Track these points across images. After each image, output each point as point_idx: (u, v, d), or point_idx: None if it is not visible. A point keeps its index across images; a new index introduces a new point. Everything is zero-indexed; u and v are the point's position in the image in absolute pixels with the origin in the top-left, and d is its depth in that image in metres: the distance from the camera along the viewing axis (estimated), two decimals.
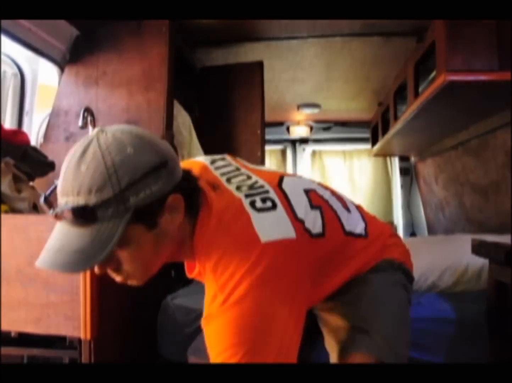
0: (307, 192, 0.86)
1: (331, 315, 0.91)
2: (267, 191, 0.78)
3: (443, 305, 1.34)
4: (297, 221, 0.76)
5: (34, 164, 1.19)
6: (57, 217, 0.66)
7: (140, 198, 0.65)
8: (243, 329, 0.68)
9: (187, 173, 0.75)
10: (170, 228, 0.70)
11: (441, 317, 1.30)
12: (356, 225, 0.92)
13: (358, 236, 0.90)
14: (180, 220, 0.71)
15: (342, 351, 0.85)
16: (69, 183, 0.64)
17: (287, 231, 0.73)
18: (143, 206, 0.65)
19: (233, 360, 0.69)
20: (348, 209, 0.93)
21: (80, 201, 0.63)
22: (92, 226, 0.64)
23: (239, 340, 0.68)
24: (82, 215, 0.63)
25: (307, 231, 0.78)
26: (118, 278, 0.77)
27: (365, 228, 0.92)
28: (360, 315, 0.86)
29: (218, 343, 0.70)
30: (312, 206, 0.84)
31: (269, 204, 0.75)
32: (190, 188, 0.73)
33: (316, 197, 0.88)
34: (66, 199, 0.64)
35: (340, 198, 0.95)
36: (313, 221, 0.81)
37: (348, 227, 0.89)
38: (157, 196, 0.66)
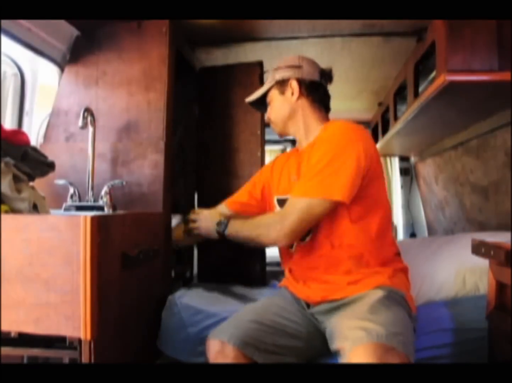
0: None
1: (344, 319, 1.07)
2: None
3: (442, 314, 1.33)
4: None
5: (34, 164, 1.19)
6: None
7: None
8: None
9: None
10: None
11: (440, 327, 1.29)
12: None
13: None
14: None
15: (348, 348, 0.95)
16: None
17: None
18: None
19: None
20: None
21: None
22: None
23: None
24: None
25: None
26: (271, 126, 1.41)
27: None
28: (365, 314, 1.04)
29: None
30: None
31: None
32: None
33: None
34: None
35: None
36: None
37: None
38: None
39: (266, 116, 1.41)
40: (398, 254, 1.28)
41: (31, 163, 1.17)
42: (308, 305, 1.24)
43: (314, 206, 1.14)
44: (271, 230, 1.18)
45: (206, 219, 1.42)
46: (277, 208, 1.36)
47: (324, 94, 1.36)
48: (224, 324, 1.16)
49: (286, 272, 1.36)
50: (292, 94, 1.32)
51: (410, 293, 1.20)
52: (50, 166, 1.26)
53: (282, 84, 1.34)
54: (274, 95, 1.36)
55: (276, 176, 1.42)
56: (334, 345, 1.03)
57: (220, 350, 1.08)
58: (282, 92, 1.34)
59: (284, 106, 1.33)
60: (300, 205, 1.14)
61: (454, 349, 1.22)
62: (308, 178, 1.16)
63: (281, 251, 1.36)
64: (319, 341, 1.17)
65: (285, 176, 1.37)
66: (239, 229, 1.30)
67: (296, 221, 1.14)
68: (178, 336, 1.36)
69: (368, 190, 1.17)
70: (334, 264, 1.19)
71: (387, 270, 1.18)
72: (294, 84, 1.32)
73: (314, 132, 1.30)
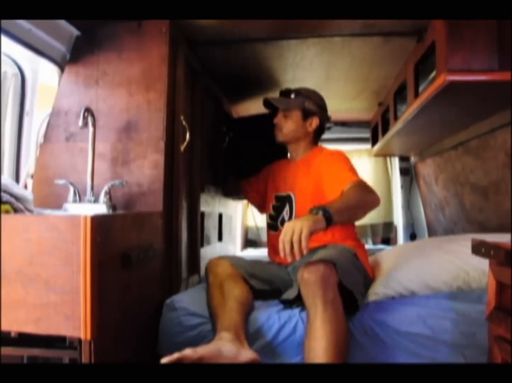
0: None
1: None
2: None
3: (443, 305, 1.34)
4: None
5: None
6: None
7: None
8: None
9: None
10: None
11: (441, 316, 1.30)
12: None
13: None
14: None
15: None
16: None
17: None
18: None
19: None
20: None
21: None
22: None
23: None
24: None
25: None
26: (276, 130, 1.75)
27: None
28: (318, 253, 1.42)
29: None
30: None
31: None
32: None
33: None
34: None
35: None
36: None
37: None
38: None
39: (278, 120, 1.73)
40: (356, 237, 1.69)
41: None
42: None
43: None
44: (375, 196, 1.48)
45: (297, 220, 1.25)
46: (274, 202, 1.75)
47: (323, 133, 1.80)
48: None
49: (269, 250, 1.77)
50: (311, 126, 1.72)
51: (364, 256, 1.60)
52: None
53: (307, 113, 1.71)
54: (296, 116, 1.71)
55: (275, 178, 1.80)
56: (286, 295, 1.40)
57: (217, 262, 1.53)
58: (304, 119, 1.71)
59: (300, 130, 1.71)
60: (363, 183, 1.52)
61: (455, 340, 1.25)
62: (347, 173, 1.55)
63: (268, 234, 1.78)
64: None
65: (281, 179, 1.76)
66: (343, 203, 1.38)
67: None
68: (177, 340, 1.35)
69: None
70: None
71: (345, 242, 1.59)
72: (317, 121, 1.72)
73: (306, 153, 1.74)
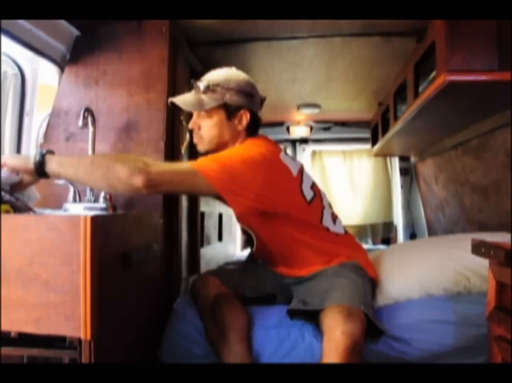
0: (313, 183, 1.40)
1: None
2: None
3: (442, 307, 1.33)
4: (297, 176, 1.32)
5: None
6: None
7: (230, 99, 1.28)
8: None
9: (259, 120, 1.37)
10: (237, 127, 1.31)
11: (440, 319, 1.29)
12: (336, 226, 1.42)
13: (335, 232, 1.40)
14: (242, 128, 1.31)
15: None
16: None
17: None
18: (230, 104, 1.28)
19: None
20: (333, 217, 1.43)
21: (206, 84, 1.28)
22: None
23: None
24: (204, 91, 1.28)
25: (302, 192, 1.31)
26: (195, 137, 1.35)
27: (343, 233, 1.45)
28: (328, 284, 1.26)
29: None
30: (312, 188, 1.36)
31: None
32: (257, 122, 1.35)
33: (316, 188, 1.40)
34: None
35: (332, 210, 1.45)
36: (308, 193, 1.33)
37: (325, 223, 1.37)
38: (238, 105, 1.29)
39: (194, 124, 1.33)
40: (345, 237, 1.45)
41: None
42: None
43: (187, 172, 1.13)
44: (131, 169, 1.05)
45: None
46: None
47: (259, 124, 1.36)
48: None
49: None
50: (239, 123, 1.30)
51: (365, 261, 1.43)
52: None
53: (231, 109, 1.29)
54: (218, 116, 1.29)
55: None
56: (300, 305, 1.24)
57: (201, 282, 1.41)
58: (229, 118, 1.29)
59: (225, 132, 1.31)
60: (179, 166, 1.16)
61: (455, 344, 1.24)
62: (207, 158, 1.19)
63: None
64: (285, 297, 1.41)
65: None
66: (73, 162, 1.10)
67: (163, 173, 1.10)
68: (179, 351, 1.33)
69: (273, 198, 1.24)
70: (287, 260, 1.41)
71: (339, 251, 1.38)
72: (246, 115, 1.30)
73: None
